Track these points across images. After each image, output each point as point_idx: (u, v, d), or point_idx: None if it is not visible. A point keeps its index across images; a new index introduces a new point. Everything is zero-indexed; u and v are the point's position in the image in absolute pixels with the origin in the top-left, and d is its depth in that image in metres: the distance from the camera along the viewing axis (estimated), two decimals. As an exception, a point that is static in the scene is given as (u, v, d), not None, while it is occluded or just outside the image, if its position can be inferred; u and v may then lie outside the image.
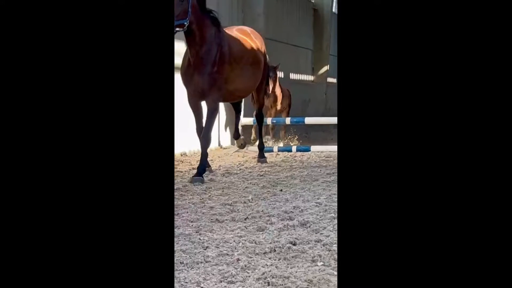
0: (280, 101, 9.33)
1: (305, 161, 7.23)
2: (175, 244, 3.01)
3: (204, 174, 5.49)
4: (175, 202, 4.28)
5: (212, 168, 6.16)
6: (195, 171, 5.59)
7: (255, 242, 3.09)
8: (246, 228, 3.45)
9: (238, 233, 3.33)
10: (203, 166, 5.57)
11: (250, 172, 6.14)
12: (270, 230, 3.37)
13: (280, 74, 10.74)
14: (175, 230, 3.32)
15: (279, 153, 8.03)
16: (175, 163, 6.58)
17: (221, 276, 2.52)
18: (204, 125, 5.69)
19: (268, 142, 8.94)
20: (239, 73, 5.95)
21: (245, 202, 4.33)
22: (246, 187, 5.09)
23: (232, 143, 8.62)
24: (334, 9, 17.43)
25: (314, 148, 8.10)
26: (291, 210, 3.98)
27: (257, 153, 7.13)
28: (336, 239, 2.99)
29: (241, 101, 7.05)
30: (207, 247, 3.00)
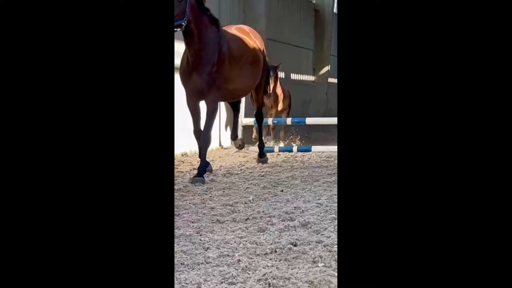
0: (281, 101, 9.31)
1: (306, 162, 7.23)
2: (176, 244, 3.01)
3: (204, 175, 5.48)
4: (176, 203, 4.27)
5: (213, 169, 6.15)
6: (196, 172, 5.59)
7: (256, 243, 3.09)
8: (247, 229, 3.45)
9: (239, 234, 3.32)
10: (204, 166, 5.56)
11: (251, 172, 6.13)
12: (271, 231, 3.36)
13: (281, 74, 10.75)
14: (176, 230, 3.31)
15: (280, 153, 8.02)
16: (176, 163, 6.58)
17: (221, 277, 2.51)
18: (203, 125, 5.66)
19: (269, 142, 8.94)
20: (238, 72, 5.92)
21: (246, 203, 4.32)
22: (247, 188, 5.08)
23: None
24: (335, 9, 17.42)
25: (315, 148, 8.09)
26: (292, 210, 3.97)
27: (258, 153, 7.12)
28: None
29: (240, 101, 7.01)
30: (207, 248, 3.00)
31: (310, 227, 3.47)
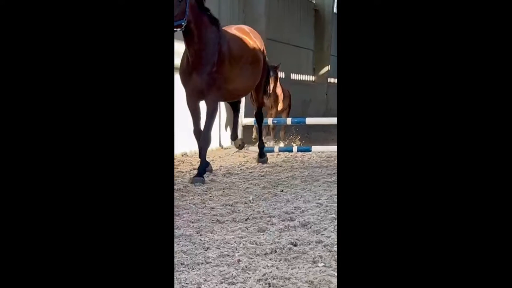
0: (281, 101, 9.31)
1: (306, 162, 7.23)
2: (176, 244, 3.01)
3: (204, 175, 5.48)
4: (176, 203, 4.27)
5: (213, 169, 6.15)
6: (196, 172, 5.59)
7: (256, 243, 3.09)
8: (247, 229, 3.45)
9: (239, 234, 3.32)
10: (204, 166, 5.56)
11: (251, 172, 6.13)
12: (271, 231, 3.36)
13: (281, 75, 10.74)
14: (176, 230, 3.31)
15: (280, 153, 8.02)
16: (176, 163, 6.58)
17: (221, 277, 2.51)
18: (203, 125, 5.65)
19: (269, 142, 8.94)
20: (238, 72, 5.90)
21: (246, 203, 4.32)
22: (247, 188, 5.08)
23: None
24: (335, 9, 17.42)
25: (315, 148, 8.09)
26: (292, 210, 3.97)
27: (258, 153, 7.11)
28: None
29: (239, 101, 7.00)
30: (207, 248, 2.99)
31: (310, 227, 3.47)
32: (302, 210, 3.98)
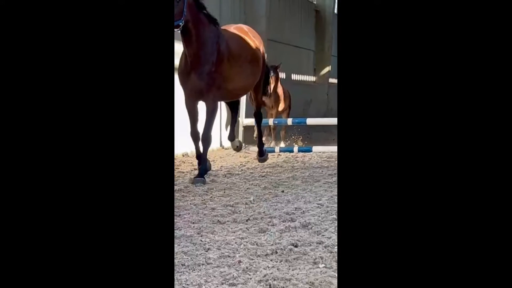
0: (282, 101, 9.30)
1: (307, 162, 7.23)
2: (176, 245, 3.01)
3: (205, 175, 5.48)
4: (177, 203, 4.27)
5: (214, 169, 6.15)
6: (196, 172, 5.58)
7: (256, 244, 3.09)
8: (248, 230, 3.44)
9: (239, 234, 3.32)
10: (205, 167, 5.55)
11: (252, 173, 6.13)
12: (271, 232, 3.36)
13: (282, 75, 10.74)
14: (177, 231, 3.31)
15: (280, 153, 8.02)
16: (177, 163, 6.58)
17: (222, 278, 2.51)
18: (204, 125, 5.63)
19: (270, 143, 8.94)
20: (237, 71, 5.85)
21: (246, 203, 4.32)
22: (247, 188, 5.08)
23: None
24: (336, 10, 17.42)
25: (315, 148, 8.08)
26: (292, 211, 3.97)
27: (257, 151, 7.05)
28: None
29: (238, 102, 6.96)
30: (208, 249, 2.99)
31: (311, 228, 3.47)
32: (303, 211, 3.97)
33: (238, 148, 6.98)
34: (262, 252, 2.92)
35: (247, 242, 3.11)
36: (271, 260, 2.80)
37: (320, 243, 3.08)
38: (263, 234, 3.34)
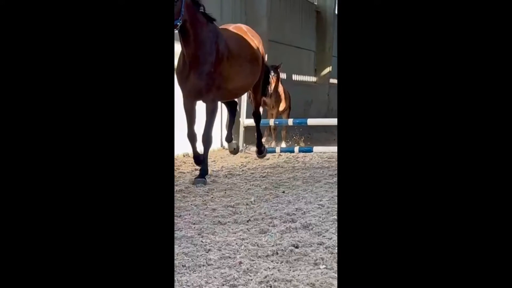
0: (283, 101, 9.29)
1: (308, 162, 7.22)
2: (177, 246, 3.00)
3: (206, 175, 5.48)
4: (178, 204, 4.27)
5: (215, 169, 6.15)
6: (197, 173, 5.58)
7: (257, 245, 3.08)
8: (249, 231, 3.44)
9: (240, 235, 3.31)
10: (205, 167, 5.54)
11: (253, 173, 6.13)
12: (272, 233, 3.35)
13: (282, 75, 10.74)
14: (178, 232, 3.31)
15: (281, 154, 8.02)
16: (178, 164, 6.57)
17: (223, 279, 2.51)
18: (204, 125, 5.62)
19: (271, 143, 8.94)
20: (237, 71, 5.82)
21: (247, 204, 4.31)
22: (248, 189, 5.08)
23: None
24: (337, 11, 17.43)
25: (316, 149, 8.08)
26: (293, 212, 3.96)
27: (256, 150, 7.03)
28: (339, 241, 2.97)
29: (236, 103, 6.92)
30: (209, 249, 2.99)
31: (312, 228, 3.46)
32: (304, 212, 3.97)
33: (235, 151, 6.85)
34: (263, 253, 2.91)
35: (247, 243, 3.11)
36: (271, 261, 2.79)
37: (321, 244, 3.08)
38: (263, 235, 3.33)
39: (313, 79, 16.29)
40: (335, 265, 2.69)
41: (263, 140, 7.82)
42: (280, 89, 9.15)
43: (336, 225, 3.47)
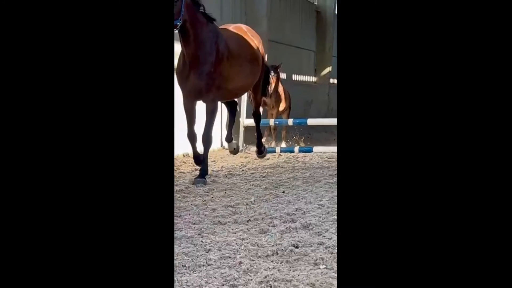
0: (283, 101, 9.29)
1: (308, 162, 7.22)
2: (177, 246, 3.00)
3: (206, 175, 5.48)
4: (178, 204, 4.27)
5: (215, 169, 6.14)
6: (197, 173, 5.58)
7: (257, 245, 3.08)
8: (249, 231, 3.44)
9: (240, 235, 3.31)
10: (205, 167, 5.54)
11: (253, 173, 6.13)
12: (272, 233, 3.35)
13: (283, 75, 10.74)
14: (178, 232, 3.31)
15: (281, 154, 8.01)
16: (178, 164, 6.57)
17: (223, 279, 2.51)
18: (204, 125, 5.62)
19: (271, 143, 8.94)
20: (237, 71, 5.81)
21: (247, 204, 4.31)
22: (248, 189, 5.08)
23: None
24: (337, 11, 17.43)
25: (316, 149, 8.08)
26: (293, 212, 3.96)
27: (256, 150, 7.03)
28: (339, 241, 2.97)
29: (236, 104, 6.92)
30: (209, 249, 2.99)
31: (312, 228, 3.46)
32: (304, 212, 3.97)
33: (234, 151, 6.85)
34: (263, 253, 2.91)
35: (247, 243, 3.11)
36: (271, 261, 2.79)
37: (321, 244, 3.08)
38: (263, 235, 3.33)
39: (313, 79, 16.30)
40: (335, 265, 2.69)
41: (263, 140, 7.82)
42: (280, 89, 9.15)
43: (336, 225, 3.47)
